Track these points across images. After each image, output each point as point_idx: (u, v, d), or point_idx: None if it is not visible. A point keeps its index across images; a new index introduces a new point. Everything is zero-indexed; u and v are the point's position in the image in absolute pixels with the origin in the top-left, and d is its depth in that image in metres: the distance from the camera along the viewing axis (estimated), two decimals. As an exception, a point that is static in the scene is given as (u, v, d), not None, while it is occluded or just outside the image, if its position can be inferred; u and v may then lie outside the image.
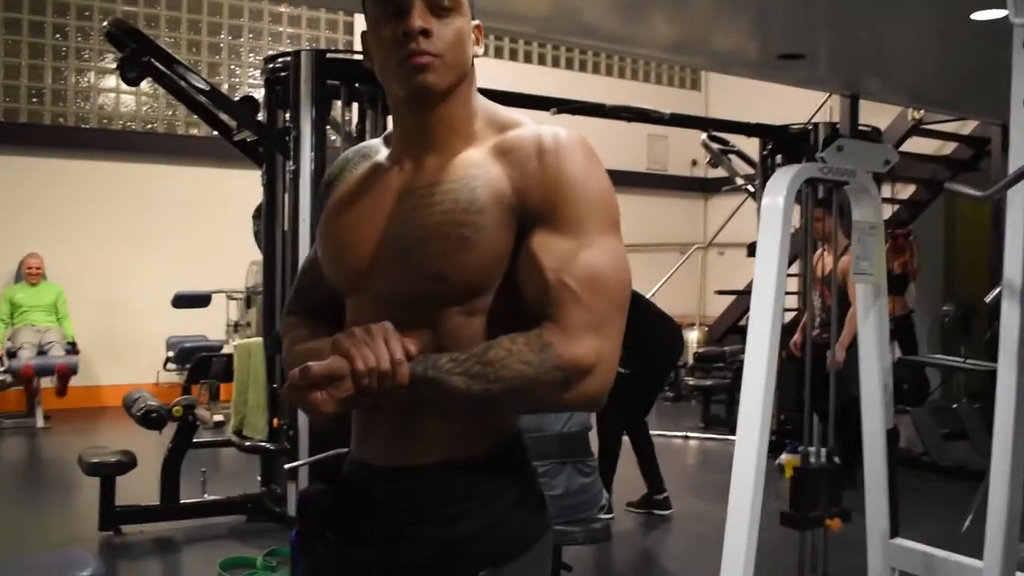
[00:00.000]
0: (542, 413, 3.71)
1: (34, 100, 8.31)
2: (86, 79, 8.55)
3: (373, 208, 1.36)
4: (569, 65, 11.01)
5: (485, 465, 1.31)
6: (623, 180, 11.12)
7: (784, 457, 5.89)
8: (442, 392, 1.20)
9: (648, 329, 4.95)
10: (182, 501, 4.73)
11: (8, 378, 7.38)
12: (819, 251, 5.62)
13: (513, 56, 10.59)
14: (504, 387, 1.19)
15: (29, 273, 7.83)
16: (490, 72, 9.24)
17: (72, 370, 7.48)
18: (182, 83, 4.80)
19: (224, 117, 5.13)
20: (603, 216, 1.29)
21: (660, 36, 5.66)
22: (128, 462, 4.56)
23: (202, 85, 4.82)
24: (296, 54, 4.80)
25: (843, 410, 5.66)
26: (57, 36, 8.37)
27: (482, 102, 1.39)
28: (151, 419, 4.54)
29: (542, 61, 10.81)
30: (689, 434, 7.51)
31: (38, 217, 8.14)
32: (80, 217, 8.28)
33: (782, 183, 2.97)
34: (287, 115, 4.88)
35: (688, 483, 5.94)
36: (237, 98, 5.43)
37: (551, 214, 1.26)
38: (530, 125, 1.33)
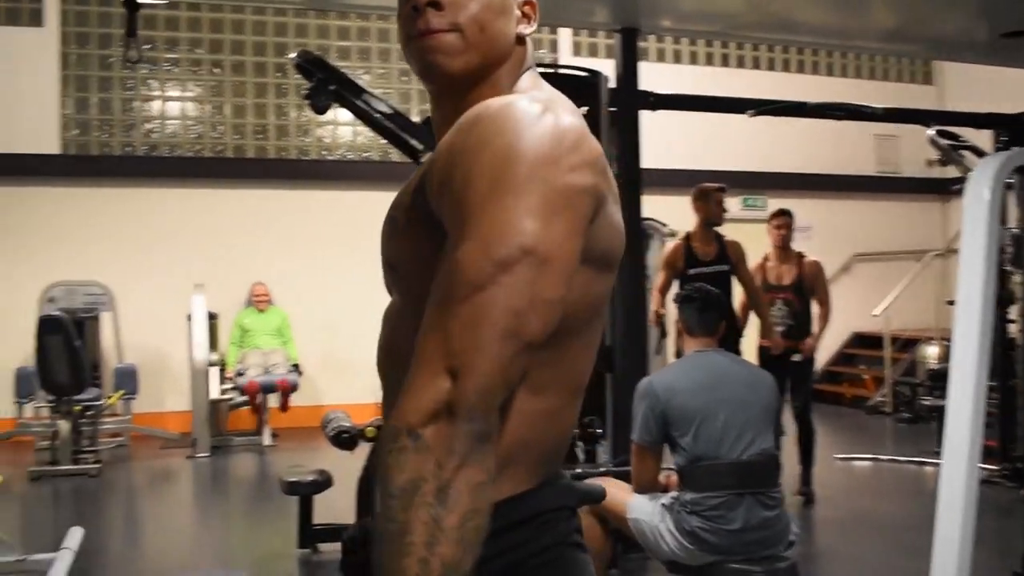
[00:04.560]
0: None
1: (259, 136, 8.85)
2: (305, 114, 9.00)
3: None
4: (786, 67, 10.47)
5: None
6: (850, 185, 10.44)
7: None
8: None
9: None
10: (377, 521, 4.75)
11: (237, 395, 7.82)
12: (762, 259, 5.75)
13: (712, 60, 10.21)
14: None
15: (256, 301, 8.30)
16: (687, 78, 9.00)
17: (293, 387, 7.84)
18: (368, 108, 4.87)
19: (413, 141, 5.17)
20: (493, 181, 0.96)
21: (870, 25, 5.20)
22: (323, 481, 4.65)
23: (386, 109, 4.87)
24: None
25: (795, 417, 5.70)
26: (278, 74, 8.89)
27: (544, 93, 1.13)
28: (342, 439, 4.58)
29: (756, 65, 10.35)
30: (925, 459, 6.83)
31: (267, 246, 8.64)
32: (303, 244, 8.72)
33: (987, 173, 2.57)
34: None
35: (920, 513, 5.35)
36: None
37: (442, 210, 1.03)
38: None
